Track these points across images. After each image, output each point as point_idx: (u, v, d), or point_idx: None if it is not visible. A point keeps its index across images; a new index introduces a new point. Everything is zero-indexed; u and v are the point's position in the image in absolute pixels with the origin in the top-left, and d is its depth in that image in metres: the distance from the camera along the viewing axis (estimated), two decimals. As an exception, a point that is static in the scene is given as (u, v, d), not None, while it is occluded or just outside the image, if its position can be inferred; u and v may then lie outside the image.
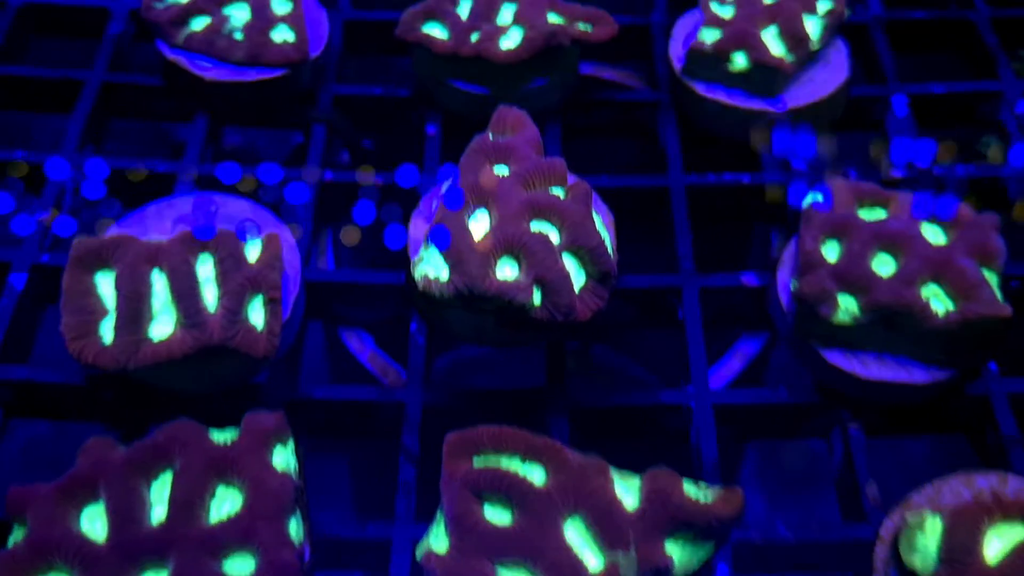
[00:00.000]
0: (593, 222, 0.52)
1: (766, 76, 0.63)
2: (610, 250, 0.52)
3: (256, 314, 0.52)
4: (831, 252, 0.53)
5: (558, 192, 0.54)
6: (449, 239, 0.51)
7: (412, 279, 0.52)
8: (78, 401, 0.55)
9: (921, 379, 0.52)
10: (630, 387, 0.68)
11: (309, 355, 0.60)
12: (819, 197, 0.56)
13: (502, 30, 0.64)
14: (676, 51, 0.66)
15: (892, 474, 0.56)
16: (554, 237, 0.52)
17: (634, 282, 0.58)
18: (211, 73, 0.65)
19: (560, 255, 0.51)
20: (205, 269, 0.53)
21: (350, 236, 0.64)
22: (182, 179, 0.63)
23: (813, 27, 0.64)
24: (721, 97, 0.64)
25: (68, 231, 0.61)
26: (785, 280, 0.55)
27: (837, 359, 0.53)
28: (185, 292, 0.52)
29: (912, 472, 0.69)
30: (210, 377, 0.53)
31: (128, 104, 0.68)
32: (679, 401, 0.55)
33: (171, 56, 0.65)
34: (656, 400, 0.55)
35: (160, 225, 0.57)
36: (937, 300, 0.52)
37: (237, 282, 0.52)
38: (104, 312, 0.52)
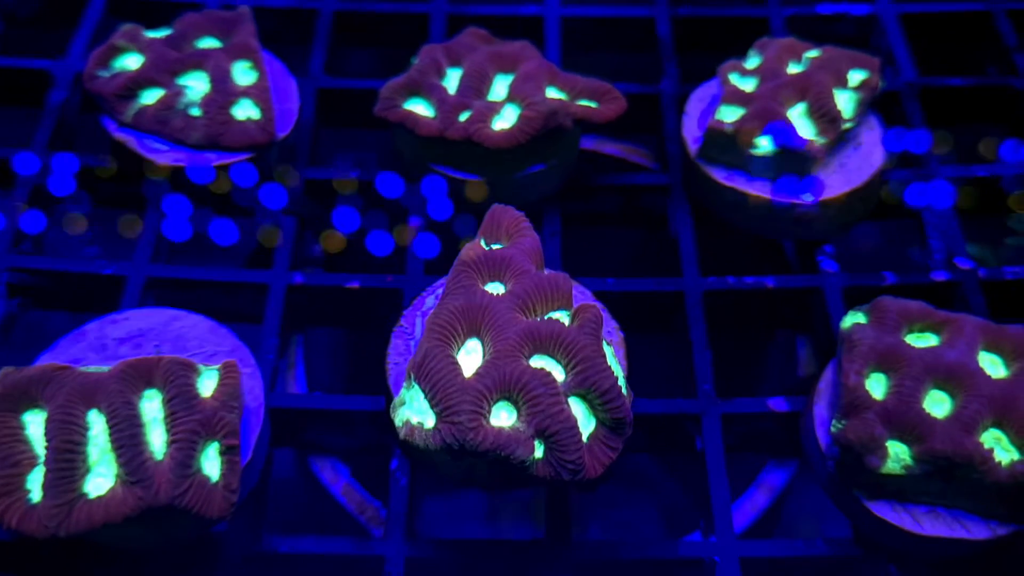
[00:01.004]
0: (605, 358, 0.45)
1: (794, 162, 0.55)
2: (624, 389, 0.45)
3: (211, 464, 0.44)
4: (877, 387, 0.46)
5: (562, 317, 0.47)
6: (434, 377, 0.43)
7: (392, 419, 0.44)
8: (7, 556, 0.48)
9: (980, 535, 0.45)
10: (654, 528, 0.61)
11: (279, 486, 0.52)
12: (861, 318, 0.48)
13: (495, 108, 0.56)
14: (691, 130, 0.59)
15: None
16: (558, 375, 0.45)
17: (646, 407, 0.51)
18: (164, 156, 0.57)
19: (566, 399, 0.44)
20: (152, 407, 0.46)
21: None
22: (131, 283, 0.55)
23: (845, 102, 0.57)
24: (742, 185, 0.56)
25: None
26: (823, 416, 0.48)
27: (885, 512, 0.46)
28: (126, 440, 0.44)
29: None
30: (157, 535, 0.46)
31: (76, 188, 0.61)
32: (701, 555, 0.48)
33: (118, 135, 0.57)
34: (675, 554, 0.48)
35: (102, 347, 0.49)
36: (1000, 448, 0.45)
37: (188, 427, 0.44)
38: (32, 462, 0.44)
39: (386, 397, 0.50)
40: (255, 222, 0.59)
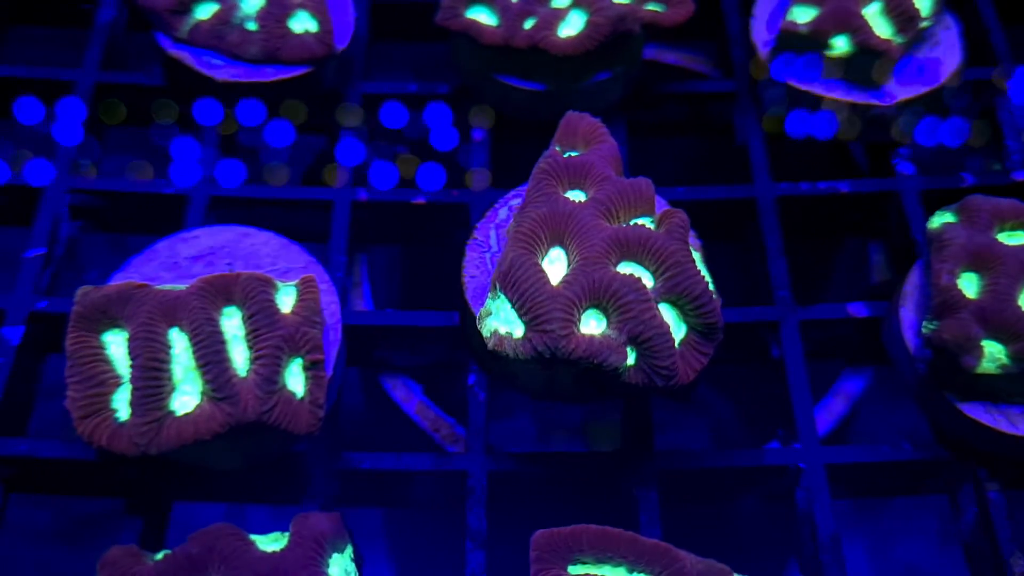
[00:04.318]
0: (694, 263, 0.44)
1: (871, 63, 0.54)
2: (714, 295, 0.44)
3: (295, 381, 0.44)
4: (969, 287, 0.45)
5: (646, 223, 0.46)
6: (522, 286, 0.43)
7: (470, 325, 0.44)
8: (90, 477, 0.48)
9: (1076, 436, 0.45)
10: (724, 443, 0.61)
11: (345, 406, 0.52)
12: (950, 217, 0.47)
13: (561, 14, 0.54)
14: (760, 33, 0.57)
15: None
16: (647, 281, 0.44)
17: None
18: (222, 72, 0.55)
19: (657, 305, 0.43)
20: (232, 324, 0.45)
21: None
22: (194, 203, 0.54)
23: (923, 1, 0.55)
24: (817, 88, 0.55)
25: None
26: (911, 319, 0.47)
27: (978, 414, 0.45)
28: (211, 357, 0.43)
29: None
30: (243, 453, 0.45)
31: (126, 109, 0.59)
32: (786, 462, 0.47)
33: (173, 52, 0.56)
34: (759, 462, 0.47)
35: (174, 265, 0.49)
36: (1099, 345, 0.44)
37: (272, 343, 0.44)
38: (117, 382, 0.44)
39: (460, 312, 0.50)
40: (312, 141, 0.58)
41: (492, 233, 0.49)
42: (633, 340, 0.42)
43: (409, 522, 0.66)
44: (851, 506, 0.79)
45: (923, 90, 0.54)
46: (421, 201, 0.54)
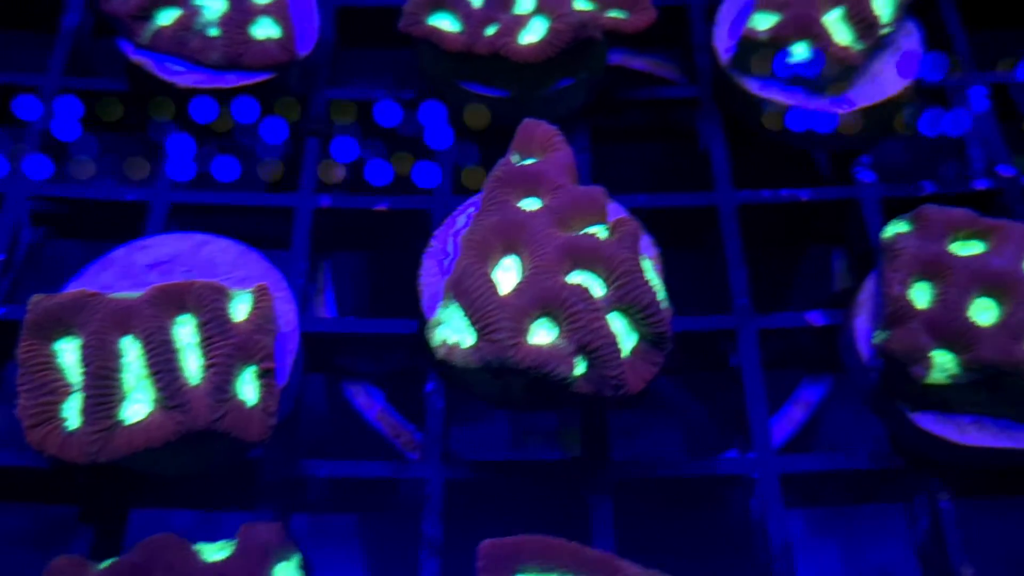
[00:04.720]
0: (644, 272, 0.44)
1: (831, 70, 0.54)
2: (664, 304, 0.44)
3: (248, 388, 0.44)
4: (921, 296, 0.45)
5: (600, 231, 0.46)
6: (472, 295, 0.43)
7: (428, 340, 0.44)
8: (45, 485, 0.48)
9: (1027, 445, 0.45)
10: (680, 453, 0.61)
11: (308, 412, 0.52)
12: (904, 227, 0.47)
13: (523, 21, 0.55)
14: (722, 40, 0.57)
15: (988, 544, 0.49)
16: (598, 290, 0.44)
17: (680, 324, 0.50)
18: (183, 79, 0.55)
19: (607, 314, 0.43)
20: (185, 332, 0.45)
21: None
22: (155, 208, 0.54)
23: (883, 6, 0.55)
24: (777, 95, 0.55)
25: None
26: (864, 329, 0.47)
27: (929, 423, 0.45)
28: (163, 366, 0.43)
29: (1011, 542, 0.62)
30: (195, 460, 0.45)
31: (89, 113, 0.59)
32: (740, 471, 0.47)
33: (135, 58, 0.56)
34: (713, 472, 0.47)
35: (130, 274, 0.49)
36: (1049, 355, 0.44)
37: (224, 351, 0.44)
38: (68, 390, 0.44)
39: (419, 320, 0.50)
40: (274, 148, 0.58)
41: (450, 241, 0.49)
42: (582, 349, 0.42)
43: (372, 528, 0.67)
44: (825, 511, 0.80)
45: (884, 96, 0.54)
46: (384, 208, 0.54)
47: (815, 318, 0.51)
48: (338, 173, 0.58)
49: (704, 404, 0.79)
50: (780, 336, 0.51)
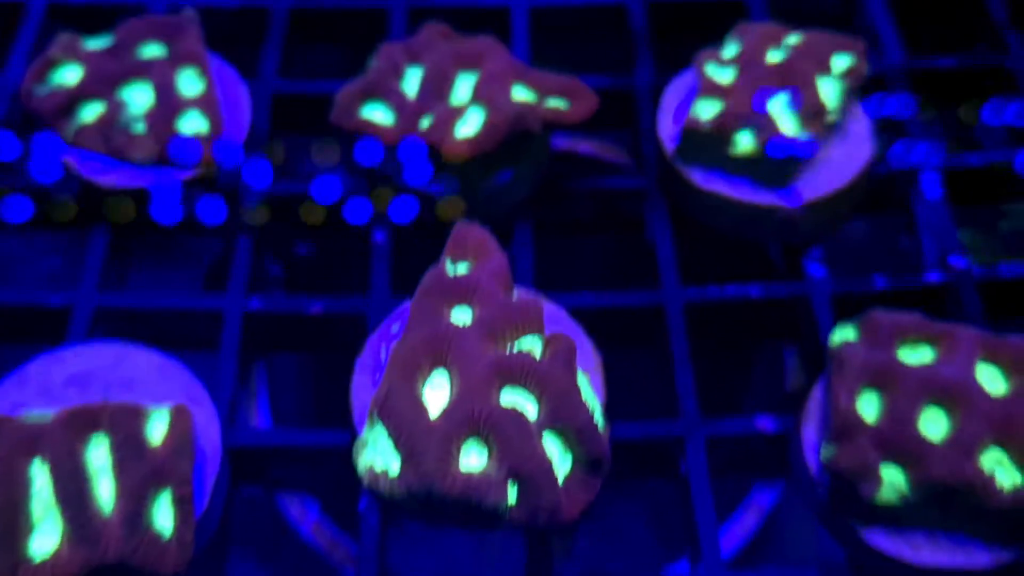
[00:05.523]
0: (579, 391, 0.42)
1: (777, 161, 0.52)
2: (601, 424, 0.42)
3: (163, 516, 0.42)
4: (869, 407, 0.44)
5: (534, 345, 0.44)
6: (397, 419, 0.41)
7: (355, 462, 0.42)
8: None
9: (982, 563, 0.43)
10: (632, 548, 0.59)
11: (241, 527, 0.49)
12: (851, 333, 0.46)
13: (458, 112, 0.53)
14: (667, 127, 0.56)
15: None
16: (531, 410, 0.42)
17: (625, 431, 0.48)
18: (106, 178, 0.53)
19: (540, 436, 0.41)
20: (99, 453, 0.43)
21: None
22: (78, 313, 0.52)
23: (830, 92, 0.54)
24: (722, 188, 0.53)
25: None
26: (812, 439, 0.45)
27: (880, 541, 0.43)
28: (72, 496, 0.41)
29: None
30: (108, 593, 0.43)
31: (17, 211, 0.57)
32: (688, 588, 0.45)
33: (62, 156, 0.54)
34: (660, 589, 0.45)
35: (47, 391, 0.46)
36: (1002, 470, 0.42)
37: (138, 477, 0.42)
38: (-31, 523, 0.41)
39: (351, 433, 0.47)
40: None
41: (383, 350, 0.47)
42: (514, 475, 0.40)
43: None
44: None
45: (833, 188, 0.53)
46: (317, 311, 0.52)
47: (765, 424, 0.49)
48: (271, 271, 0.56)
49: (651, 514, 0.76)
50: (729, 443, 0.49)
